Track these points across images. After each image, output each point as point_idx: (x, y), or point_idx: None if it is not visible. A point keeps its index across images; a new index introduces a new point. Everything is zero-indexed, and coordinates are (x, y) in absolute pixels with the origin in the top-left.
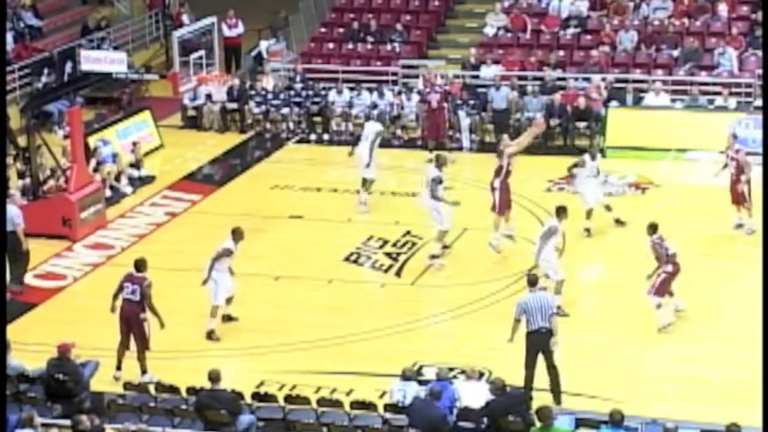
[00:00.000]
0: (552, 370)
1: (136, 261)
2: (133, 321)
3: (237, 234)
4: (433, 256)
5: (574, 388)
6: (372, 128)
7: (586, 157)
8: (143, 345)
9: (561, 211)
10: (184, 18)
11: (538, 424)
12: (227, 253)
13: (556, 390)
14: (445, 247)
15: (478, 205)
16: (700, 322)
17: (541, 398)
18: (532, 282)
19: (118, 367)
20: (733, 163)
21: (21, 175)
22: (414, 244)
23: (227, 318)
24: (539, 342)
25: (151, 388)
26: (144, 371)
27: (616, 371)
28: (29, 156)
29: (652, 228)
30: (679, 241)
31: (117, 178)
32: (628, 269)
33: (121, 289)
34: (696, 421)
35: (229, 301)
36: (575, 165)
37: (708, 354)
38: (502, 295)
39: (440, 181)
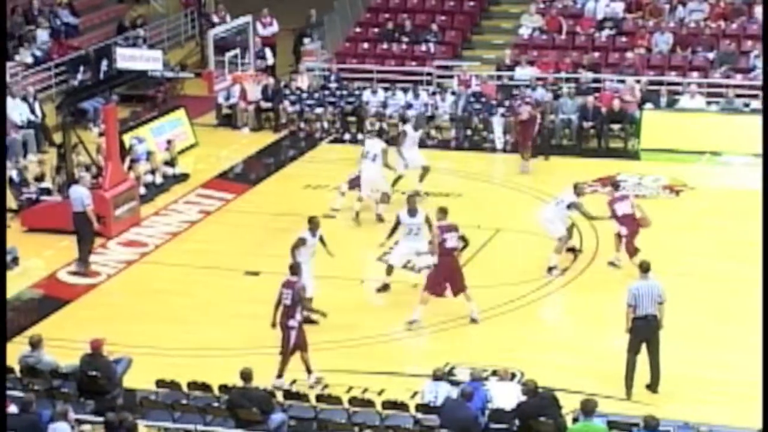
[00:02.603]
0: (654, 360)
1: (290, 265)
2: (282, 326)
3: (312, 223)
4: (550, 269)
5: (606, 390)
6: (374, 146)
7: (407, 127)
8: (287, 350)
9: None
10: (215, 17)
11: (581, 417)
12: (301, 242)
13: (654, 380)
14: (572, 250)
15: (510, 206)
16: (732, 325)
17: (571, 399)
18: (645, 269)
19: (279, 375)
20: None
21: (57, 171)
22: None
23: (305, 319)
24: (646, 329)
25: (183, 385)
26: (309, 371)
27: (646, 374)
28: (65, 153)
29: (443, 212)
30: (711, 244)
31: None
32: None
33: (280, 297)
34: (729, 425)
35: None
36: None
37: (737, 358)
38: (534, 297)
39: (578, 207)
